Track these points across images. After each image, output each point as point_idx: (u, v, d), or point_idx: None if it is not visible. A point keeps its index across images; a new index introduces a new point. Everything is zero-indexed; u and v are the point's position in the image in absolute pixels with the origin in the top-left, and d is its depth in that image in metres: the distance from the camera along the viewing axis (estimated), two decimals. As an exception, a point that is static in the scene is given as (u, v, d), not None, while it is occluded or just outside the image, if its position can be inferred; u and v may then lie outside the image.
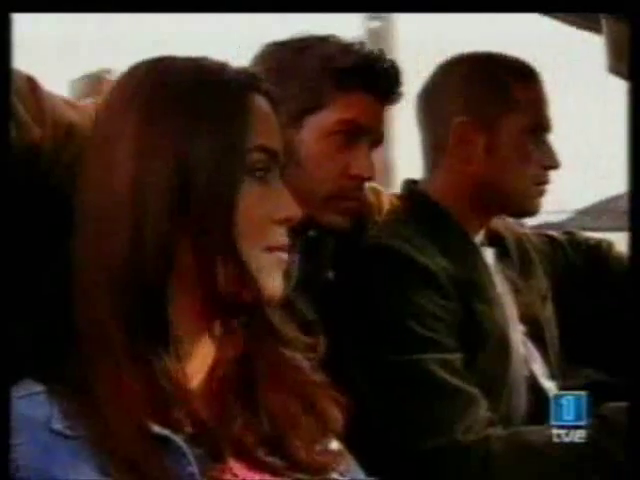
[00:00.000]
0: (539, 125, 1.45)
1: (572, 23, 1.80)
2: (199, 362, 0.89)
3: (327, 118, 1.30)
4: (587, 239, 1.71)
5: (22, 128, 0.94)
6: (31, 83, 0.99)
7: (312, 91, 1.30)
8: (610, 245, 1.69)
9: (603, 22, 1.64)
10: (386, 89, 1.34)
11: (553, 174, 1.48)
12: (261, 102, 0.89)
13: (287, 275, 0.90)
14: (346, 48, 1.32)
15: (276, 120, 0.91)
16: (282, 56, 1.33)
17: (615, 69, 1.65)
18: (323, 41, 1.33)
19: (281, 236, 0.88)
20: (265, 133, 0.88)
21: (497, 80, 1.44)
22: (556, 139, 1.49)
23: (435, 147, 1.47)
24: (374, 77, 1.31)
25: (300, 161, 1.28)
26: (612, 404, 1.22)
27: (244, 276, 0.85)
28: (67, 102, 1.04)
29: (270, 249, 0.87)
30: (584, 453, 1.19)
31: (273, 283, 0.87)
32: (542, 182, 1.46)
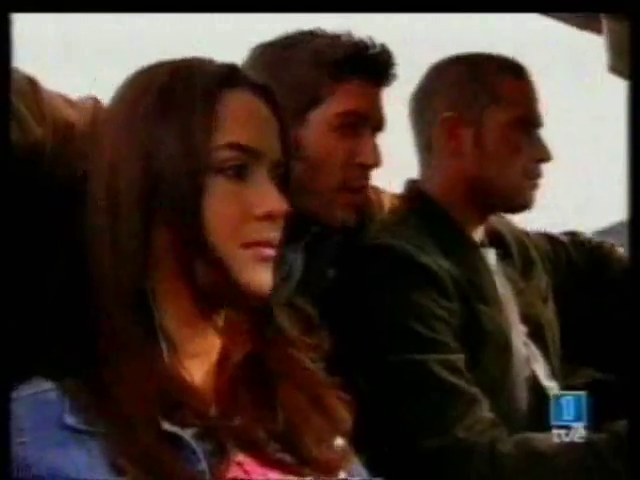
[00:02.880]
0: (526, 119, 1.45)
1: (572, 23, 1.80)
2: (200, 358, 0.89)
3: (327, 112, 1.30)
4: (589, 240, 1.71)
5: (24, 128, 0.94)
6: (32, 83, 0.99)
7: (307, 87, 1.29)
8: (612, 246, 1.69)
9: (604, 22, 1.63)
10: (380, 73, 1.34)
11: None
12: (241, 97, 0.89)
13: (276, 269, 0.89)
14: (335, 40, 1.32)
15: (266, 114, 0.91)
16: (272, 56, 1.32)
17: (616, 69, 1.65)
18: (311, 35, 1.33)
19: (264, 232, 0.87)
20: (240, 130, 0.87)
21: (481, 75, 1.46)
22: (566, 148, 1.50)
23: (427, 146, 1.48)
24: (366, 64, 1.31)
25: (305, 158, 1.28)
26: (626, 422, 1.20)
27: (222, 273, 0.85)
28: (67, 100, 1.04)
29: (249, 245, 0.86)
30: (592, 466, 1.19)
31: (258, 279, 0.87)
32: (534, 176, 1.46)
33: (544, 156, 1.46)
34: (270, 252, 0.88)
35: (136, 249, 0.85)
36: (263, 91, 0.91)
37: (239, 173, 0.87)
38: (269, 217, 0.87)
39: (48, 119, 0.98)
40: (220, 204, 0.86)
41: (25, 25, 0.94)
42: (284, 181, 0.92)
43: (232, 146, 0.87)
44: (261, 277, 0.87)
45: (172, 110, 0.86)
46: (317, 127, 1.31)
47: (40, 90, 1.00)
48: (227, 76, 0.89)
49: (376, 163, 1.34)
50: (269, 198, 0.87)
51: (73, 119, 1.01)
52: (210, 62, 0.91)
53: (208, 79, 0.88)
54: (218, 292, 0.87)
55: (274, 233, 0.88)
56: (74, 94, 1.08)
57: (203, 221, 0.85)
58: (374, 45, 1.32)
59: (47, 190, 0.92)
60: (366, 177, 1.35)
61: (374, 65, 1.32)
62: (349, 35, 1.32)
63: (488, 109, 1.44)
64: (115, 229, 0.85)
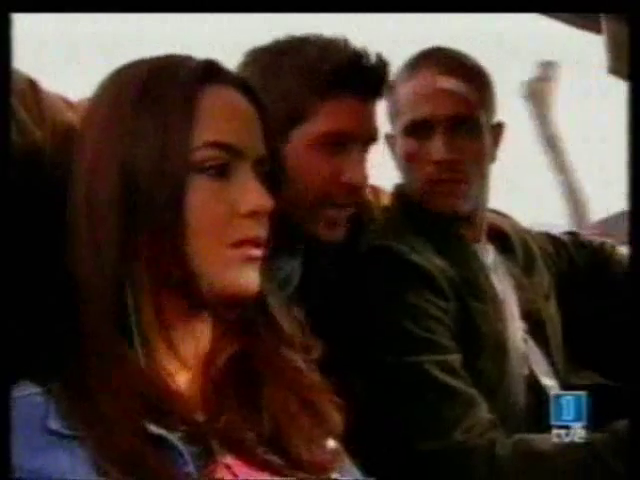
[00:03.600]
0: (420, 122, 1.40)
1: (572, 23, 1.80)
2: (185, 361, 0.88)
3: (312, 130, 1.24)
4: (591, 241, 1.71)
5: (23, 130, 0.94)
6: (32, 85, 0.99)
7: (294, 103, 1.23)
8: (613, 247, 1.69)
9: (603, 23, 1.64)
10: (373, 86, 1.27)
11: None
12: (221, 93, 0.87)
13: (266, 268, 0.88)
14: (326, 51, 1.24)
15: (247, 109, 0.89)
16: (263, 62, 1.26)
17: (615, 70, 1.65)
18: (302, 44, 1.26)
19: (250, 229, 0.85)
20: (220, 127, 0.85)
21: (393, 86, 1.40)
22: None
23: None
24: (357, 78, 1.24)
25: (288, 173, 1.25)
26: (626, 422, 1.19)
27: (200, 275, 0.84)
28: (67, 103, 1.04)
29: (236, 244, 0.85)
30: (590, 465, 1.18)
31: (245, 279, 0.85)
32: (438, 180, 1.40)
33: (435, 157, 1.39)
34: (257, 252, 0.86)
35: (113, 252, 0.83)
36: (244, 86, 0.89)
37: (221, 171, 0.85)
38: (254, 214, 0.85)
39: (48, 121, 0.98)
40: (203, 204, 0.84)
41: (25, 25, 0.94)
42: (270, 177, 0.90)
43: (213, 145, 0.85)
44: (248, 277, 0.86)
45: (150, 108, 0.84)
46: (301, 144, 1.25)
47: (40, 92, 1.00)
48: (206, 72, 0.87)
49: (362, 183, 1.28)
50: (253, 195, 0.85)
51: (73, 122, 1.01)
52: (189, 58, 0.89)
53: (186, 75, 0.86)
54: (196, 295, 0.85)
55: (260, 231, 0.87)
56: (74, 94, 1.08)
57: (184, 225, 0.83)
58: (368, 57, 1.25)
59: (45, 193, 0.92)
60: (353, 195, 1.28)
61: (366, 78, 1.25)
62: (344, 44, 1.25)
63: (394, 121, 1.44)
64: (93, 231, 0.84)
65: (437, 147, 1.39)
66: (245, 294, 0.86)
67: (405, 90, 1.42)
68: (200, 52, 0.91)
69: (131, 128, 0.84)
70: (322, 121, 1.24)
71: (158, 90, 0.85)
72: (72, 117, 1.01)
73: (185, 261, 0.83)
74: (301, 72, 1.24)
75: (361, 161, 1.28)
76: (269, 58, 1.27)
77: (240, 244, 0.85)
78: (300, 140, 1.25)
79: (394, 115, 1.44)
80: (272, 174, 0.90)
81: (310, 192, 1.25)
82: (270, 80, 1.23)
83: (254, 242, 0.86)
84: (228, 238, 0.85)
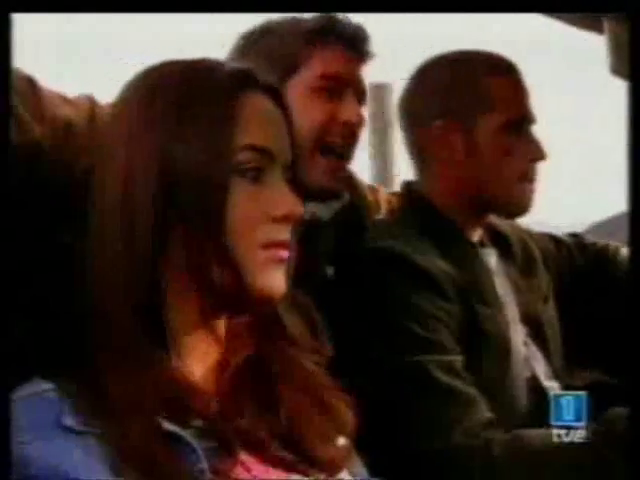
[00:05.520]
0: (518, 120, 1.42)
1: (572, 23, 1.80)
2: (202, 358, 0.89)
3: (307, 76, 1.33)
4: (594, 243, 1.70)
5: (22, 127, 0.94)
6: (31, 83, 0.99)
7: (287, 54, 1.32)
8: (617, 249, 1.68)
9: (605, 24, 1.63)
10: (357, 43, 1.36)
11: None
12: (256, 99, 0.89)
13: (287, 272, 0.90)
14: (312, 15, 1.36)
15: (278, 116, 0.91)
16: (252, 29, 1.37)
17: (618, 71, 1.65)
18: (288, 17, 1.37)
19: (280, 233, 0.88)
20: (257, 132, 0.88)
21: (471, 80, 1.43)
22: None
23: (419, 152, 1.46)
24: (344, 32, 1.34)
25: None
26: (619, 409, 1.19)
27: (237, 275, 0.85)
28: (63, 98, 1.04)
29: (267, 246, 0.87)
30: (584, 458, 1.18)
31: (272, 280, 0.87)
32: (530, 178, 1.43)
33: (537, 155, 1.43)
34: (285, 254, 0.88)
35: (151, 253, 0.84)
36: (274, 93, 0.92)
37: (256, 175, 0.87)
38: (286, 219, 0.88)
39: (47, 118, 0.98)
40: (240, 206, 0.86)
41: (25, 25, 0.94)
42: (294, 182, 0.92)
43: (251, 148, 0.87)
44: (276, 279, 0.87)
45: (192, 111, 0.86)
46: (297, 92, 1.31)
47: (39, 89, 1.00)
48: (244, 78, 0.89)
49: (359, 121, 1.35)
50: (286, 200, 0.88)
51: (71, 116, 1.01)
52: (225, 63, 0.92)
53: (228, 80, 0.88)
54: (231, 294, 0.87)
55: (287, 235, 0.89)
56: (73, 93, 1.08)
57: (224, 223, 0.85)
58: (349, 20, 1.35)
59: (45, 189, 0.92)
60: (350, 136, 1.35)
61: (351, 34, 1.35)
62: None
63: (480, 114, 1.41)
64: (129, 233, 0.84)
65: (536, 145, 1.42)
66: (274, 295, 0.88)
67: (504, 86, 1.43)
68: (200, 51, 0.92)
69: (170, 129, 0.85)
70: (317, 65, 1.34)
71: (201, 93, 0.87)
72: (70, 112, 1.01)
73: (226, 260, 0.85)
74: (291, 26, 1.35)
75: (356, 103, 1.35)
76: (258, 29, 1.37)
77: (269, 246, 0.87)
78: (297, 87, 1.32)
79: (483, 108, 1.42)
80: (295, 181, 0.92)
81: (309, 136, 1.30)
82: (260, 42, 1.33)
83: (282, 245, 0.88)
84: (260, 239, 0.86)
